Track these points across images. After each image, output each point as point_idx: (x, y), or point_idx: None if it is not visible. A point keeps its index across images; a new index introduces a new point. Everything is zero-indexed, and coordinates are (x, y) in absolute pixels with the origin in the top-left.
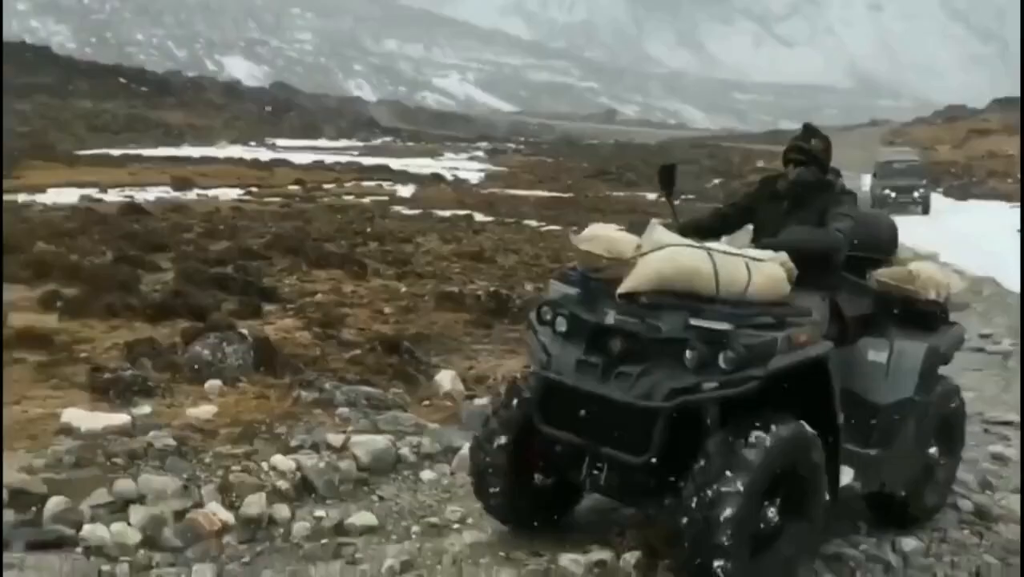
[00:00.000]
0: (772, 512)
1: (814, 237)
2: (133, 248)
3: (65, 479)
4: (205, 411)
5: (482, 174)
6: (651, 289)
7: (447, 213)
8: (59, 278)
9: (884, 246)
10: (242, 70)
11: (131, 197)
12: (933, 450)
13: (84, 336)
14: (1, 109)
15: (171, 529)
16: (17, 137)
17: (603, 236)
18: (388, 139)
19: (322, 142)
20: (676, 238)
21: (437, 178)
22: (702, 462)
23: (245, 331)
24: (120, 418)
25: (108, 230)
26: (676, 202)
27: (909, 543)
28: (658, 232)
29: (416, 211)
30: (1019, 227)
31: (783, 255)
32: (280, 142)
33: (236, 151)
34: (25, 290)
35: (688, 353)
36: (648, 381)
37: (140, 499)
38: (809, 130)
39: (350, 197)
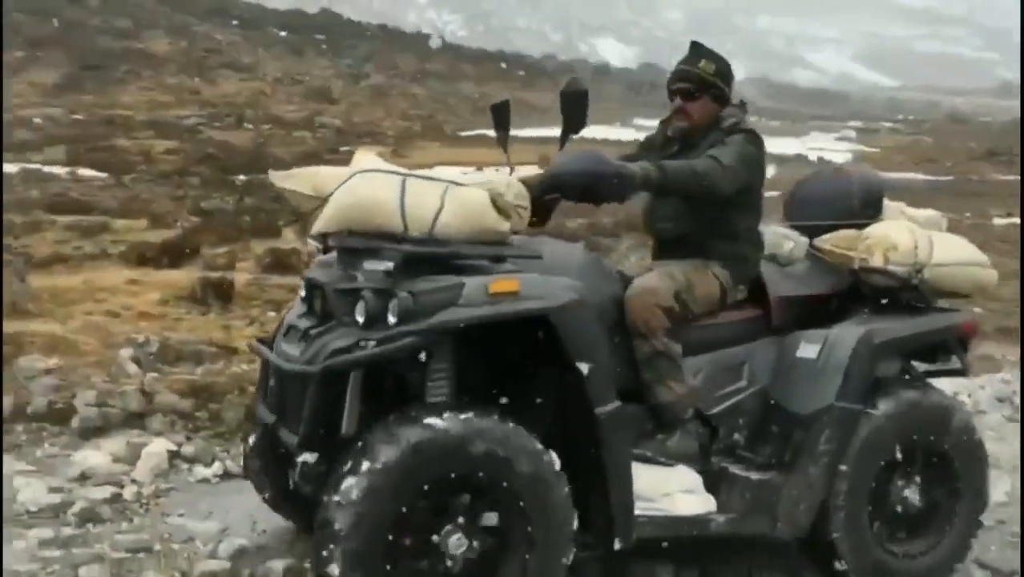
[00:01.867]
0: (456, 540)
1: (598, 166)
2: None
3: None
4: None
5: (849, 155)
6: (340, 228)
7: None
8: None
9: (857, 208)
10: (612, 51)
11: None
12: (908, 492)
13: None
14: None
15: None
16: (411, 119)
17: (307, 172)
18: (753, 118)
19: None
20: (380, 165)
21: (800, 159)
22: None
23: None
24: None
25: None
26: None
27: None
28: (363, 159)
29: (774, 193)
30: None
31: (509, 178)
32: (645, 123)
33: (599, 131)
34: None
35: (357, 305)
36: (322, 341)
37: None
38: (697, 50)
39: None
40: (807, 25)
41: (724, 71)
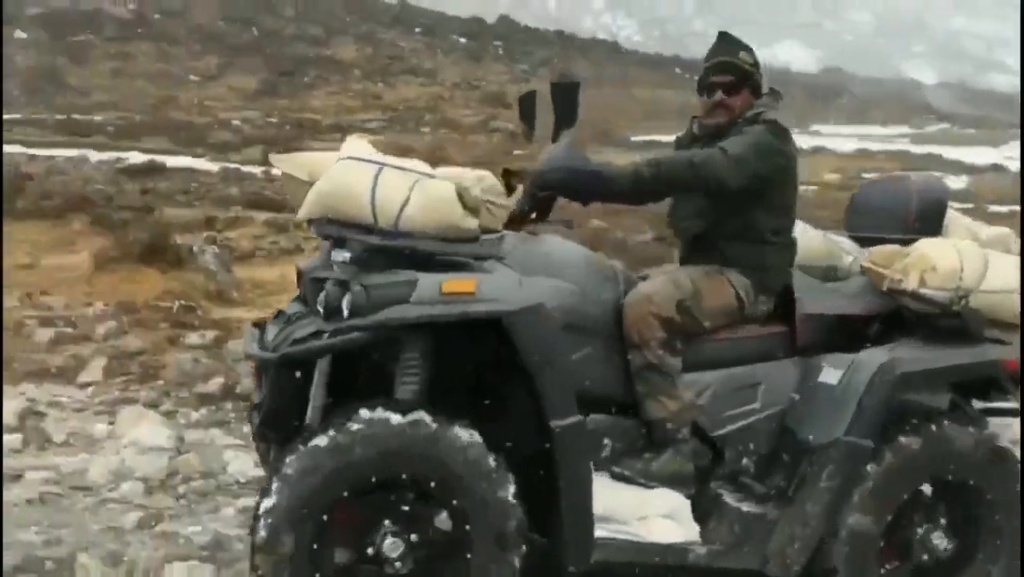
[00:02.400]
0: (392, 539)
1: (576, 163)
2: (662, 227)
3: None
4: None
5: None
6: (319, 215)
7: (1003, 209)
8: (605, 252)
9: (912, 219)
10: (793, 55)
11: None
12: (930, 533)
13: None
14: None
15: None
16: (583, 125)
17: (303, 157)
18: (944, 125)
19: (870, 129)
20: (364, 152)
21: (996, 169)
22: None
23: None
24: None
25: (647, 210)
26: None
27: None
28: (351, 146)
29: (966, 205)
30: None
31: (484, 172)
32: (824, 129)
33: None
34: None
35: (320, 295)
36: (289, 329)
37: None
38: (731, 40)
39: None
40: (1005, 27)
41: (758, 61)
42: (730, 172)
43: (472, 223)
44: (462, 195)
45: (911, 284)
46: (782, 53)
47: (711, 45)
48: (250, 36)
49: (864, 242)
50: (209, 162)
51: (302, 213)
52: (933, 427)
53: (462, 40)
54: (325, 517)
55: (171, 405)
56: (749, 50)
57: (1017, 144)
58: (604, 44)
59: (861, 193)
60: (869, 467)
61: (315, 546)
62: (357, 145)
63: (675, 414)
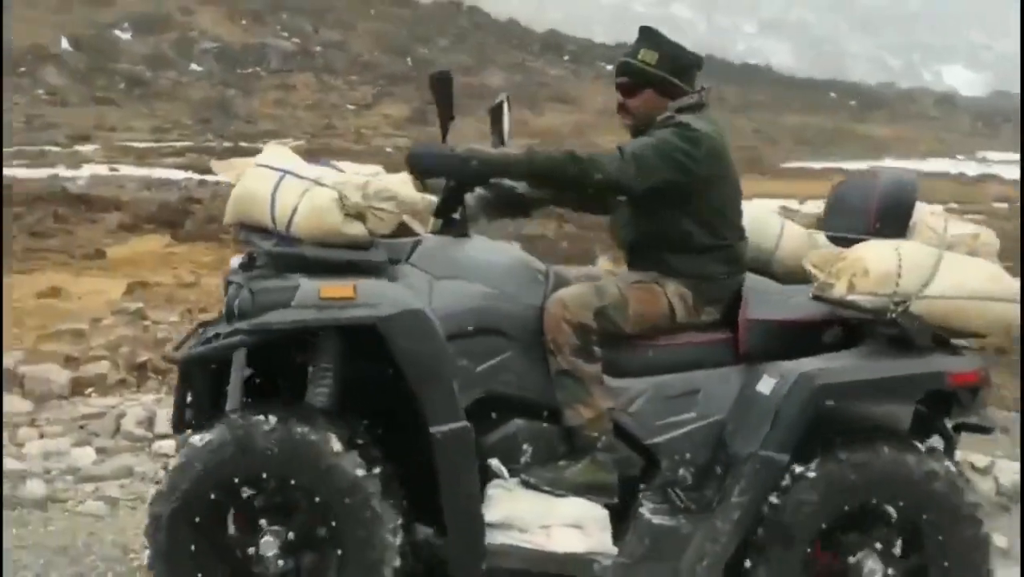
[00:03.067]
0: (266, 541)
1: (443, 148)
2: None
3: None
4: None
5: None
6: (236, 221)
7: None
8: None
9: (873, 219)
10: (960, 79)
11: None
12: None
13: None
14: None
15: None
16: (733, 151)
17: (239, 163)
18: None
19: None
20: (276, 159)
21: None
22: None
23: None
24: None
25: None
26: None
27: None
28: (269, 152)
29: None
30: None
31: (371, 178)
32: (992, 155)
33: (942, 165)
34: None
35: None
36: (205, 334)
37: None
38: (642, 37)
39: None
40: None
41: (673, 58)
42: (624, 172)
43: (356, 228)
44: (343, 201)
45: (839, 290)
46: (949, 77)
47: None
48: (404, 66)
49: (838, 242)
50: None
51: (225, 218)
52: (860, 446)
53: (608, 67)
54: (197, 519)
55: None
56: (661, 47)
57: None
58: (756, 69)
59: (835, 191)
60: (785, 483)
61: (192, 547)
62: (275, 152)
63: (591, 421)
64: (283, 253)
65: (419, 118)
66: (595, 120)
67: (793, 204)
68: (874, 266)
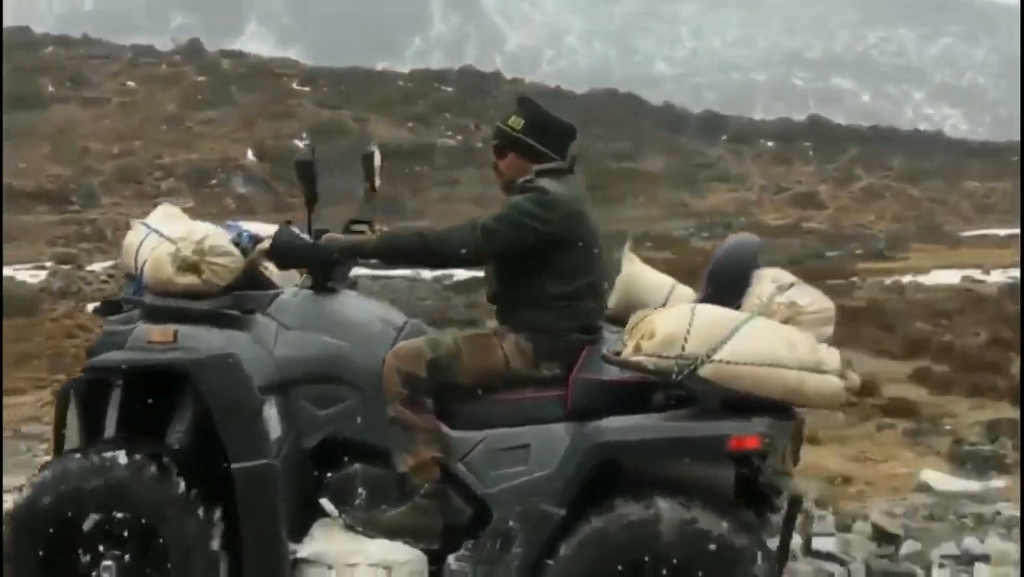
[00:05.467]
0: (105, 566)
1: (292, 239)
2: (1007, 330)
3: (919, 528)
4: None
5: None
6: (126, 270)
7: None
8: (932, 355)
9: (705, 285)
10: None
11: (1014, 279)
12: None
13: (949, 410)
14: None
15: None
16: (904, 220)
17: (139, 221)
18: None
19: None
20: (161, 217)
21: None
22: None
23: None
24: (973, 485)
25: (985, 311)
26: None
27: None
28: (157, 211)
29: None
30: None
31: (207, 234)
32: None
33: None
34: (899, 364)
35: None
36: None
37: (984, 559)
38: (518, 105)
39: None
40: None
41: (540, 126)
42: (470, 245)
43: (187, 280)
44: (177, 255)
45: (627, 351)
46: None
47: None
48: None
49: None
50: None
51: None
52: (636, 504)
53: (769, 144)
54: (40, 552)
55: None
56: (531, 116)
57: None
58: (926, 136)
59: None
60: (565, 540)
61: (40, 568)
62: (163, 212)
63: (413, 469)
64: (129, 300)
65: None
66: (758, 197)
67: (977, 274)
68: (661, 328)
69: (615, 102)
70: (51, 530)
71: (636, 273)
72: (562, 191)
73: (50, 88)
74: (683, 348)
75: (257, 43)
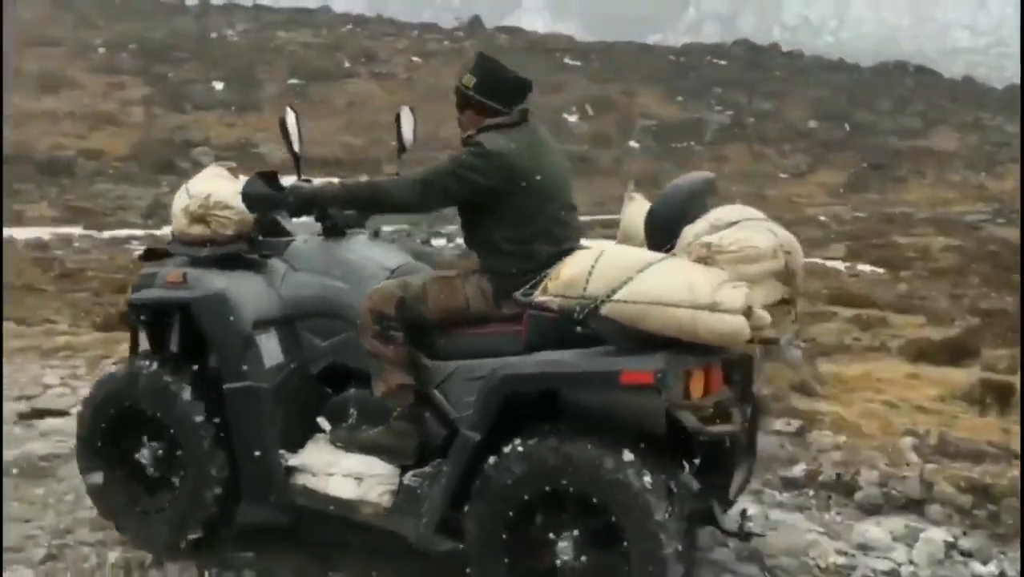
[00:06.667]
0: (145, 452)
1: (257, 187)
2: None
3: None
4: None
5: None
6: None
7: None
8: None
9: (647, 226)
10: None
11: None
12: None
13: None
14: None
15: None
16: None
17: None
18: None
19: None
20: (209, 176)
21: None
22: None
23: None
24: None
25: None
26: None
27: None
28: (206, 171)
29: None
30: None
31: (213, 190)
32: None
33: None
34: None
35: None
36: None
37: None
38: (476, 61)
39: None
40: None
41: (488, 83)
42: (411, 196)
43: (198, 229)
44: (186, 211)
45: (539, 293)
46: None
47: None
48: (841, 132)
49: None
50: None
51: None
52: (547, 434)
53: None
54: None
55: (758, 485)
56: (483, 72)
57: None
58: None
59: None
60: (488, 461)
61: (98, 443)
62: (209, 170)
63: (385, 395)
64: (164, 249)
65: (859, 185)
66: None
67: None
68: (566, 271)
69: (905, 75)
70: (111, 411)
71: (636, 211)
72: (501, 144)
73: (346, 64)
74: (584, 289)
75: (533, 17)
